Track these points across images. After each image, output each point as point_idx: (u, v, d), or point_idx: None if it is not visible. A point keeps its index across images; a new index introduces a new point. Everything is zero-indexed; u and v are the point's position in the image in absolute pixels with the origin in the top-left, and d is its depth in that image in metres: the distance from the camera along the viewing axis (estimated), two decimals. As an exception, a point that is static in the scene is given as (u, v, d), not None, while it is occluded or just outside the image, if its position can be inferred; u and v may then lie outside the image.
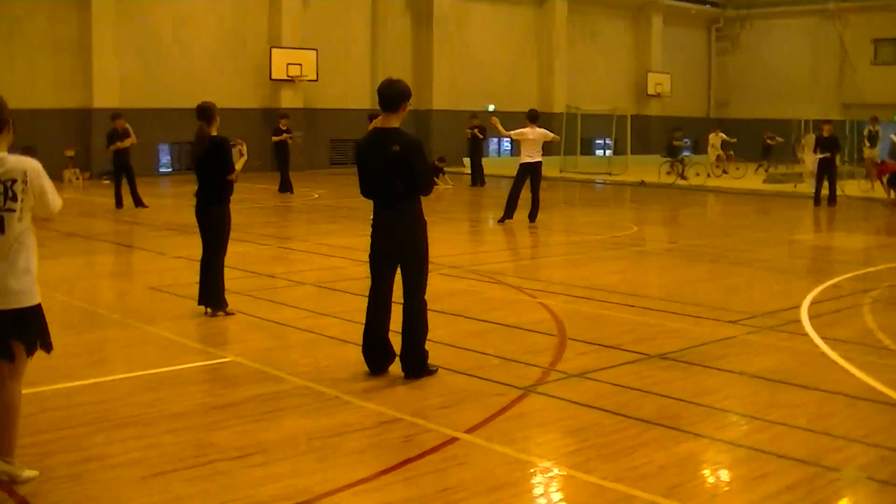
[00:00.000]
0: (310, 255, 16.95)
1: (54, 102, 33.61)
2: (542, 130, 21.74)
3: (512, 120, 25.71)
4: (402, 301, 8.90)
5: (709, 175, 34.83)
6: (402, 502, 6.00)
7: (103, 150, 26.08)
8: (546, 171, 22.71)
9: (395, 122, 8.80)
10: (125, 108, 29.45)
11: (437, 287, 10.80)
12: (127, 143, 24.24)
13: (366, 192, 9.02)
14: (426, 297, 8.98)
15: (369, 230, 9.00)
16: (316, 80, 39.39)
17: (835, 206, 27.06)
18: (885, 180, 27.52)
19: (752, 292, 13.76)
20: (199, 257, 11.77)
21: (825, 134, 27.22)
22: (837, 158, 27.70)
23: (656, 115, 53.45)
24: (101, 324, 11.25)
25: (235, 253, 13.07)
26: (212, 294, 11.52)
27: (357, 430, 7.43)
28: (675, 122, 52.24)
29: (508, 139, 29.37)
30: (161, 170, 37.34)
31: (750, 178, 35.31)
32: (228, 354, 9.81)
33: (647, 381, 8.81)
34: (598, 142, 49.43)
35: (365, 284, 9.33)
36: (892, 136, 34.63)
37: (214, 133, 11.50)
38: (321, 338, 10.50)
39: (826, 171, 27.07)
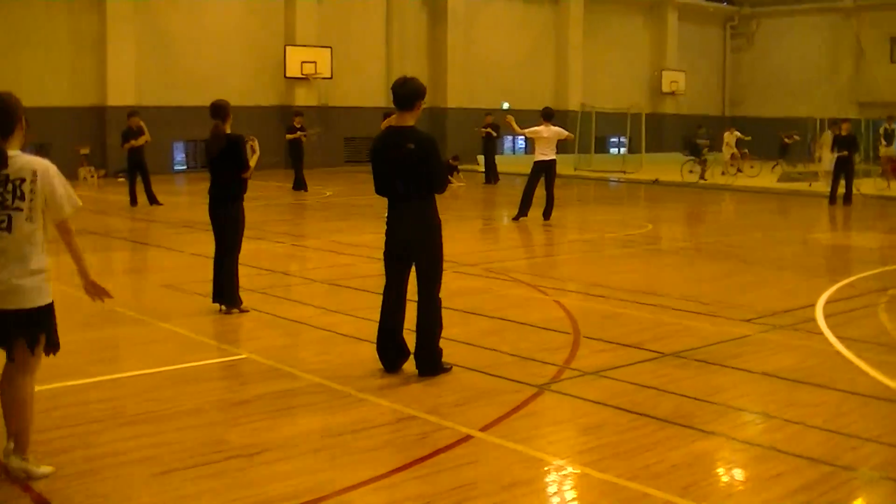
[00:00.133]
0: (324, 253, 16.96)
1: (69, 100, 33.70)
2: (557, 129, 21.70)
3: (526, 118, 25.68)
4: (417, 299, 8.89)
5: (723, 173, 34.71)
6: (416, 500, 5.99)
7: (118, 148, 26.14)
8: (560, 169, 22.67)
9: (409, 120, 8.80)
10: (140, 106, 29.53)
11: (451, 285, 10.80)
12: (141, 140, 24.26)
13: (380, 189, 9.02)
14: (441, 294, 8.96)
15: (383, 228, 9.00)
16: (330, 78, 39.41)
17: (850, 204, 26.96)
18: None
19: (767, 291, 13.71)
20: (214, 255, 11.79)
21: (843, 132, 27.10)
22: (856, 157, 27.58)
23: (671, 113, 53.37)
24: (115, 321, 11.25)
25: (250, 250, 13.08)
26: (226, 291, 11.53)
27: (371, 428, 7.42)
28: (689, 120, 52.24)
29: (523, 137, 29.30)
30: (176, 167, 37.40)
31: (764, 177, 35.18)
32: (242, 351, 9.82)
33: (661, 379, 8.79)
34: (612, 140, 49.36)
35: (379, 282, 9.34)
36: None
37: (228, 131, 11.51)
38: (335, 335, 10.50)
39: (843, 169, 26.93)
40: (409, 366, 8.95)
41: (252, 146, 11.67)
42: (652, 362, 9.45)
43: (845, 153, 26.62)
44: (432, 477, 6.36)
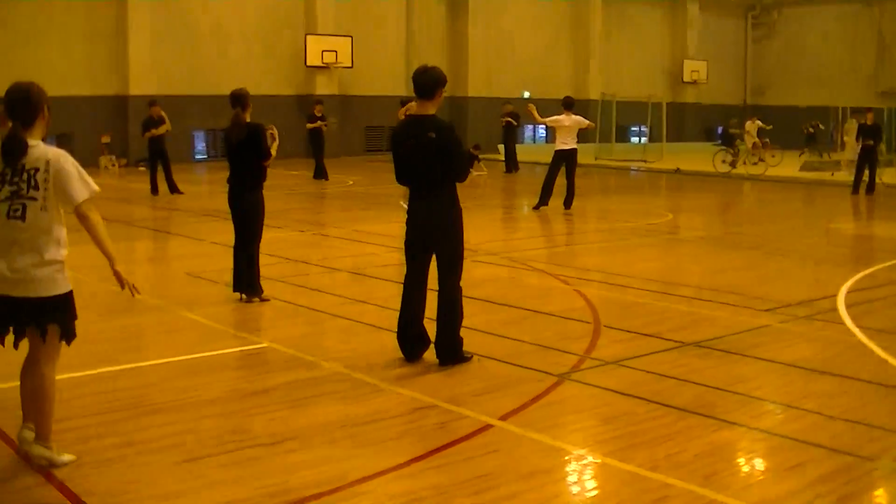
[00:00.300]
0: (345, 242, 16.98)
1: (91, 89, 33.79)
2: (578, 117, 21.66)
3: (547, 107, 25.65)
4: (438, 288, 8.90)
5: (744, 162, 34.58)
6: (437, 489, 6.00)
7: (139, 137, 26.22)
8: (581, 159, 22.64)
9: (430, 108, 8.79)
10: (161, 95, 29.56)
11: (472, 274, 10.80)
12: (162, 130, 24.33)
13: (401, 179, 9.03)
14: (461, 283, 8.97)
15: (404, 217, 9.01)
16: (351, 67, 39.42)
17: (873, 194, 26.87)
18: None
19: (788, 281, 13.69)
20: (234, 244, 11.81)
21: (868, 122, 27.01)
22: (883, 147, 27.45)
23: (692, 103, 53.25)
24: (138, 309, 11.28)
25: (270, 239, 13.12)
26: (247, 280, 11.55)
27: (392, 417, 7.44)
28: (711, 109, 52.17)
29: (543, 126, 29.29)
30: (196, 156, 37.47)
31: (786, 166, 35.01)
32: (263, 340, 9.85)
33: (682, 369, 8.79)
34: (633, 129, 49.23)
35: (400, 271, 9.35)
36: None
37: (248, 119, 11.54)
38: (356, 324, 10.52)
39: (867, 158, 26.85)
40: (430, 355, 8.96)
41: (272, 134, 11.68)
42: (672, 352, 9.44)
43: (870, 142, 26.53)
44: (452, 466, 6.38)
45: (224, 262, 12.53)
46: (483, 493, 5.95)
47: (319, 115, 29.80)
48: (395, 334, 9.09)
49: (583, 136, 22.94)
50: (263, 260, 11.88)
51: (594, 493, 6.19)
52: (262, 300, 11.53)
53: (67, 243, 6.24)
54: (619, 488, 6.13)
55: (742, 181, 32.15)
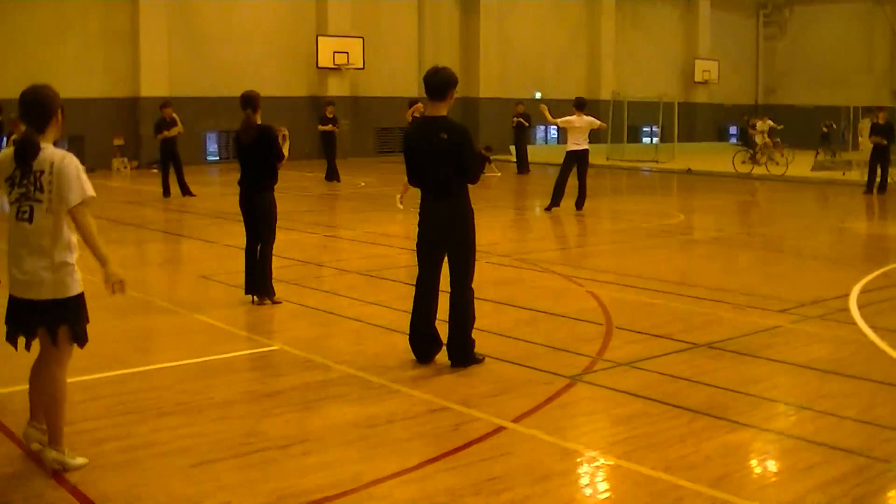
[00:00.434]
0: (356, 244, 16.99)
1: (103, 91, 33.83)
2: (589, 118, 21.64)
3: (559, 108, 25.63)
4: (450, 289, 8.90)
5: (765, 163, 34.44)
6: (449, 491, 6.00)
7: (151, 139, 26.24)
8: (593, 159, 22.63)
9: (442, 109, 8.80)
10: (173, 97, 29.64)
11: (484, 275, 10.80)
12: (174, 132, 24.37)
13: (413, 180, 9.04)
14: (473, 285, 8.97)
15: (416, 218, 9.01)
16: (363, 69, 39.42)
17: (884, 193, 26.81)
18: None
19: (801, 281, 13.66)
20: (245, 246, 11.83)
21: (881, 121, 26.95)
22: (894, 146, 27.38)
23: (703, 103, 53.15)
24: (150, 311, 11.33)
25: (282, 241, 13.11)
26: (259, 282, 11.57)
27: (404, 419, 7.44)
28: (722, 109, 52.12)
29: (555, 127, 29.28)
30: (208, 158, 37.52)
31: (798, 165, 34.86)
32: (275, 342, 9.86)
33: (694, 370, 8.78)
34: (644, 129, 49.16)
35: (412, 273, 9.36)
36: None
37: (259, 121, 11.55)
38: (368, 326, 10.53)
39: (879, 158, 26.80)
40: (442, 357, 8.96)
41: (283, 134, 11.68)
42: (685, 353, 9.43)
43: (883, 141, 26.46)
44: (464, 468, 6.38)
45: (235, 265, 12.55)
46: (496, 495, 5.95)
47: (331, 116, 29.79)
48: (408, 336, 9.10)
49: (594, 136, 22.94)
50: (275, 262, 11.88)
51: (607, 494, 6.18)
52: (274, 302, 11.54)
53: (78, 246, 6.24)
54: (632, 490, 6.13)
55: (753, 181, 32.07)
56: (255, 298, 11.55)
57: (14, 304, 6.26)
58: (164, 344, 10.20)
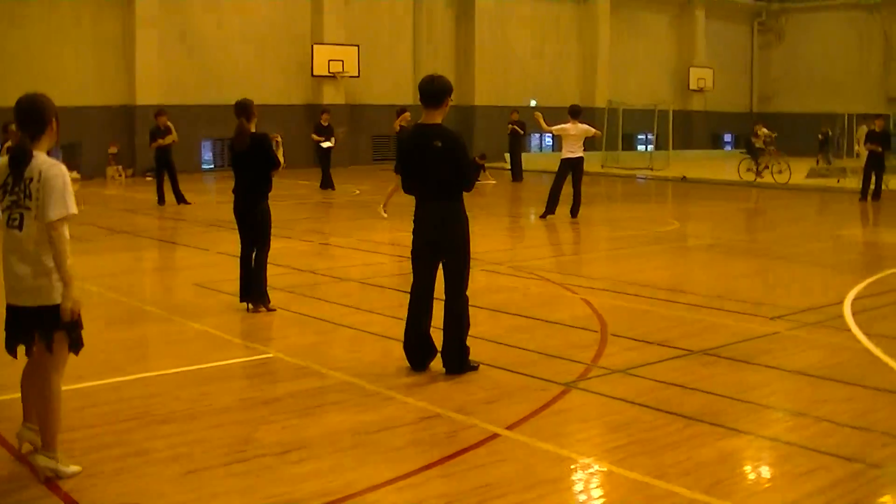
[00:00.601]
0: (351, 252, 16.99)
1: (98, 99, 33.84)
2: (584, 126, 21.67)
3: (554, 115, 25.64)
4: (444, 297, 8.91)
5: (748, 170, 34.43)
6: (444, 498, 6.00)
7: (146, 147, 26.25)
8: (588, 167, 22.67)
9: (437, 117, 8.81)
10: (168, 105, 29.62)
11: (478, 283, 10.82)
12: (168, 140, 24.39)
13: (408, 188, 9.05)
14: (468, 292, 8.98)
15: (411, 226, 9.02)
16: (358, 77, 39.45)
17: (879, 200, 26.85)
18: None
19: (796, 288, 13.68)
20: (240, 254, 11.83)
21: (877, 128, 27.01)
22: (893, 155, 27.44)
23: (698, 110, 53.20)
24: (145, 319, 11.33)
25: (277, 249, 13.11)
26: (255, 290, 11.56)
27: (399, 426, 7.45)
28: (717, 117, 52.21)
29: (550, 134, 29.32)
30: (204, 166, 37.52)
31: (793, 172, 34.84)
32: (271, 350, 9.86)
33: (689, 377, 8.78)
34: (639, 137, 49.26)
35: (407, 280, 9.36)
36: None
37: (253, 129, 11.56)
38: (363, 334, 10.53)
39: (874, 165, 26.86)
40: (437, 364, 8.96)
41: (277, 141, 11.68)
42: (680, 360, 9.44)
43: (878, 149, 26.51)
44: (459, 475, 6.38)
45: (230, 272, 12.55)
46: (490, 502, 5.95)
47: (326, 124, 29.72)
48: (402, 343, 9.09)
49: (589, 144, 23.00)
50: (270, 270, 11.88)
51: (601, 501, 6.19)
52: (269, 310, 11.54)
53: (70, 253, 6.24)
54: (626, 496, 6.13)
55: (750, 188, 32.09)
56: (251, 306, 11.55)
57: (10, 311, 6.27)
58: (159, 351, 10.20)
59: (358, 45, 39.29)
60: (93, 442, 6.95)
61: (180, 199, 24.64)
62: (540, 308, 11.90)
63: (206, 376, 8.88)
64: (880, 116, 27.95)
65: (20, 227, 6.13)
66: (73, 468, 6.31)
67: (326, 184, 29.62)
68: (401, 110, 22.31)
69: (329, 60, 38.50)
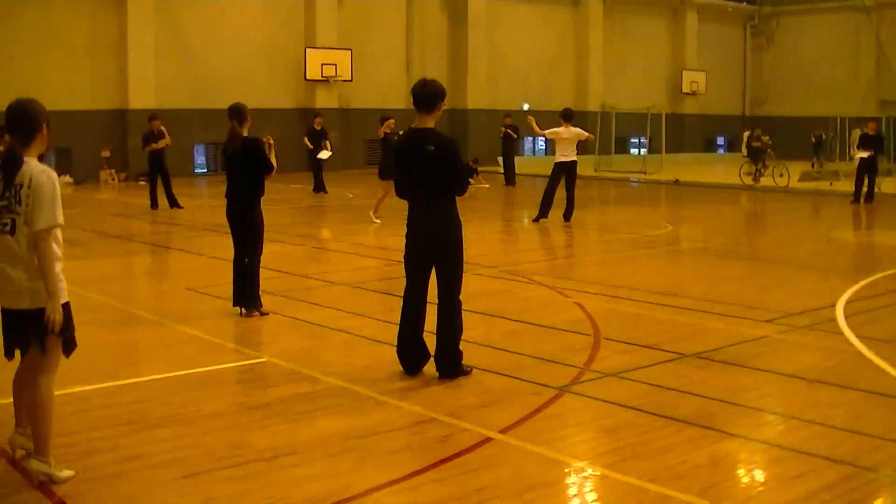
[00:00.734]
0: (344, 255, 16.99)
1: (91, 104, 33.84)
2: (577, 130, 21.68)
3: (547, 119, 25.66)
4: (437, 301, 8.91)
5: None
6: (437, 502, 6.00)
7: (139, 151, 26.24)
8: (581, 170, 22.68)
9: (430, 122, 8.82)
10: (161, 109, 29.63)
11: (472, 287, 10.80)
12: (162, 144, 24.38)
13: (401, 192, 9.05)
14: (461, 296, 8.98)
15: (404, 230, 9.02)
16: (351, 81, 39.48)
17: (871, 203, 26.90)
18: None
19: (788, 291, 13.69)
20: (233, 258, 11.82)
21: (870, 132, 27.08)
22: (885, 157, 27.52)
23: (691, 114, 53.29)
24: (137, 324, 11.32)
25: (270, 253, 13.11)
26: (247, 294, 11.56)
27: (392, 431, 7.44)
28: (710, 120, 52.22)
29: (543, 138, 29.33)
30: (197, 170, 37.52)
31: (785, 176, 34.91)
32: (263, 355, 9.85)
33: (682, 380, 8.79)
34: (632, 140, 49.30)
35: (400, 284, 9.35)
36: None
37: (246, 133, 11.56)
38: (356, 338, 10.52)
39: (867, 168, 26.92)
40: (430, 368, 8.96)
41: (269, 143, 11.67)
42: (673, 363, 9.45)
43: (871, 152, 26.57)
44: (453, 479, 6.38)
45: (223, 277, 12.54)
46: (484, 505, 5.96)
47: (319, 128, 29.73)
48: (395, 348, 9.09)
49: (582, 147, 22.98)
50: (263, 274, 11.87)
51: (595, 505, 6.20)
52: (262, 314, 11.53)
53: (62, 257, 6.24)
54: (620, 500, 6.14)
55: (742, 191, 32.16)
56: (243, 310, 11.54)
57: (5, 315, 6.28)
58: (152, 356, 10.18)
59: (351, 49, 39.35)
60: (87, 447, 6.94)
61: (173, 203, 24.62)
62: (533, 312, 11.91)
63: (199, 381, 8.87)
64: (875, 120, 28.02)
65: (12, 233, 6.13)
66: (67, 473, 6.30)
67: (319, 188, 29.63)
68: (385, 117, 22.31)
69: (322, 64, 38.54)
